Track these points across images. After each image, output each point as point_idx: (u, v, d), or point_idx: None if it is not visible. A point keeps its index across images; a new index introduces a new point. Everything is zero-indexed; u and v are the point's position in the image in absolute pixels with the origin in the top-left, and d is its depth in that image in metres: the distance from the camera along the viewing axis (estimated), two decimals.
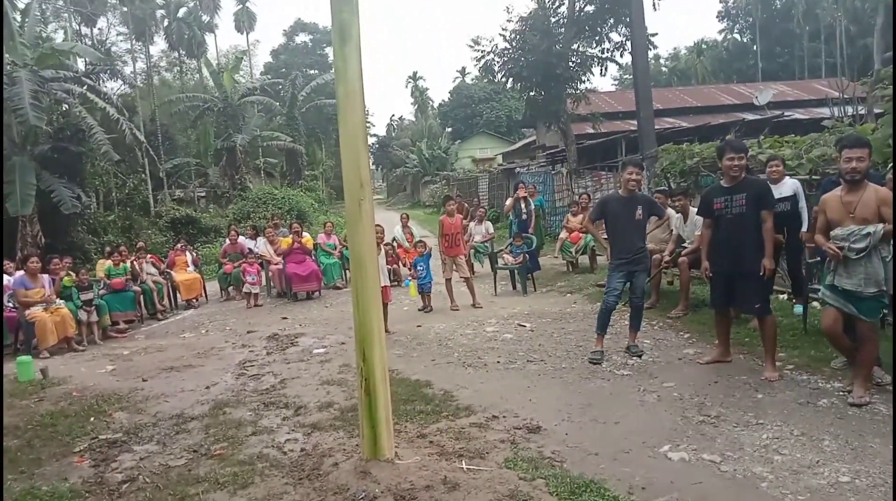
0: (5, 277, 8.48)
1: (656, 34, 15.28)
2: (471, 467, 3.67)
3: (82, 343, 8.24)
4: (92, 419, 5.09)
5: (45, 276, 8.33)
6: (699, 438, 3.93)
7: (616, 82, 54.54)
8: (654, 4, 15.42)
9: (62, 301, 8.16)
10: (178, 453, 4.28)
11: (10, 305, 8.05)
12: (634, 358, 5.70)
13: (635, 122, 14.09)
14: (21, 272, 8.23)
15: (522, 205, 11.04)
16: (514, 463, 3.70)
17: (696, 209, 7.21)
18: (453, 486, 3.40)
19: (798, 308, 6.30)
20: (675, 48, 62.06)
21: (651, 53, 22.32)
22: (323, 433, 4.42)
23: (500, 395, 4.98)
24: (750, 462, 3.57)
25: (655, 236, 7.70)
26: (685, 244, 7.29)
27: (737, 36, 52.29)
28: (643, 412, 4.45)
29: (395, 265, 11.24)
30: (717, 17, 52.57)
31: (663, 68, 61.78)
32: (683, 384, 4.90)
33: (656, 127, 19.71)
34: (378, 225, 8.86)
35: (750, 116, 21.61)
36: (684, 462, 3.63)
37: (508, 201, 11.12)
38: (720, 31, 54.21)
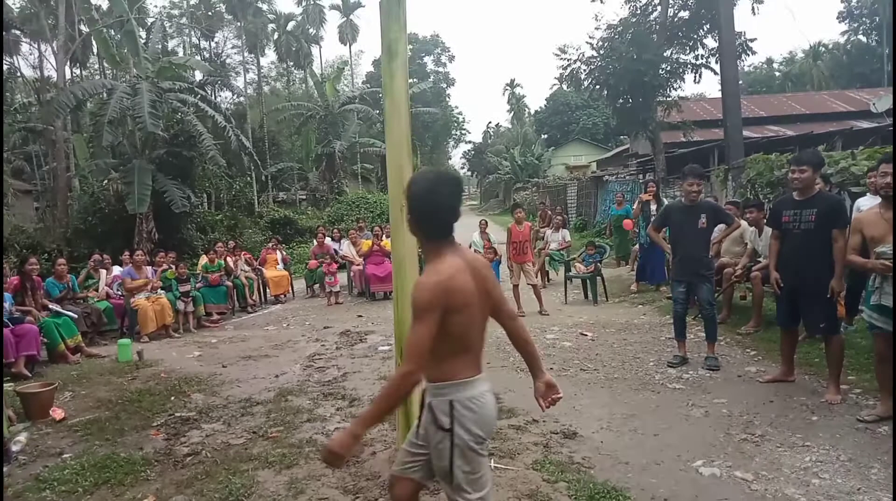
0: (116, 268, 9.47)
1: (754, 39, 14.59)
2: (499, 466, 3.79)
3: (178, 331, 9.05)
4: (172, 398, 5.65)
5: (150, 268, 9.24)
6: (737, 455, 3.84)
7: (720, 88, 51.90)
8: (752, 9, 14.69)
9: (162, 292, 9.00)
10: (240, 433, 4.69)
11: (119, 293, 8.99)
12: (691, 372, 5.59)
13: None
14: (129, 264, 9.18)
15: (652, 208, 9.79)
16: (541, 466, 3.78)
17: None
18: None
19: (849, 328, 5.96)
20: (790, 52, 58.40)
21: (755, 59, 21.22)
22: None
23: None
24: (784, 484, 3.46)
25: (730, 250, 7.44)
26: (760, 259, 6.99)
27: (861, 38, 48.39)
28: (685, 426, 4.38)
29: None
30: (838, 18, 48.89)
31: (776, 72, 58.28)
32: (735, 402, 4.76)
33: (756, 135, 18.89)
34: None
35: (865, 124, 20.12)
36: (714, 478, 3.57)
37: (636, 206, 10.72)
38: (843, 33, 50.40)
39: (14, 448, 4.35)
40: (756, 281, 6.83)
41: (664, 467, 3.76)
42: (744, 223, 7.16)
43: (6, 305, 6.87)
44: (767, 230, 6.80)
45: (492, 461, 3.84)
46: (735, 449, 3.93)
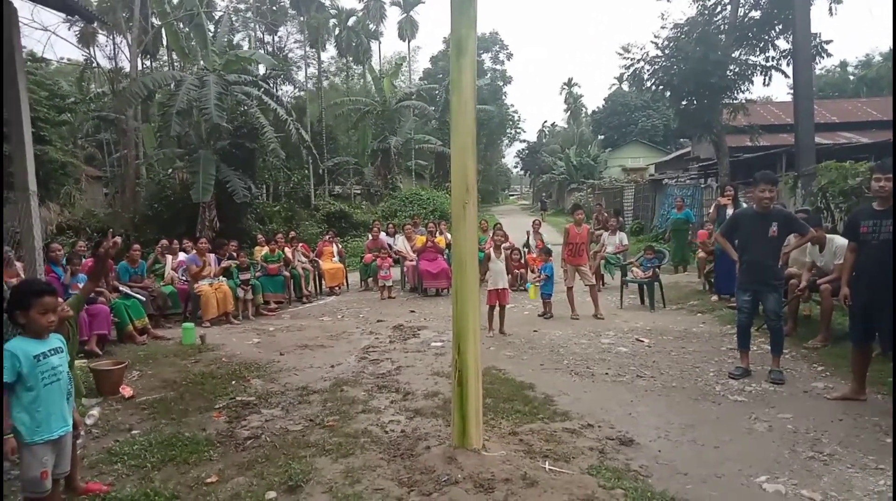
0: (181, 254, 9.83)
1: (830, 41, 13.93)
2: (553, 468, 3.76)
3: (238, 317, 9.33)
4: (233, 382, 5.84)
5: (213, 255, 9.55)
6: (803, 473, 3.70)
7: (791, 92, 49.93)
8: (829, 9, 14.05)
9: (224, 279, 9.29)
10: (297, 420, 4.80)
11: (183, 278, 9.32)
12: (754, 384, 5.41)
13: None
14: (194, 251, 9.51)
15: (729, 212, 9.13)
16: (597, 471, 3.73)
17: (832, 237, 6.66)
18: (532, 483, 3.52)
19: None
20: (867, 54, 55.62)
21: (828, 62, 20.34)
22: (423, 418, 4.72)
23: (600, 405, 4.98)
24: None
25: (798, 260, 7.15)
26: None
27: None
28: (748, 440, 4.24)
29: (521, 270, 11.39)
30: None
31: (851, 76, 55.66)
32: (801, 417, 4.58)
33: (828, 142, 18.08)
34: (500, 229, 9.11)
35: None
36: (779, 495, 3.45)
37: (712, 210, 10.31)
38: None
39: (88, 421, 4.58)
40: (825, 294, 6.55)
41: (725, 480, 3.66)
42: (831, 236, 6.81)
43: (80, 285, 7.22)
44: (831, 246, 6.57)
45: (547, 463, 3.82)
46: (801, 467, 3.79)
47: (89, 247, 9.22)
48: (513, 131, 64.53)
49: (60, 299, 3.26)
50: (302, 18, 34.77)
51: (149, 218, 17.61)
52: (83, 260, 8.00)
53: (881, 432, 4.27)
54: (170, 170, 19.50)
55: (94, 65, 26.37)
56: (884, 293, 4.52)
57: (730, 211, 9.05)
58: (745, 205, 8.71)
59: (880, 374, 5.34)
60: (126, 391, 5.44)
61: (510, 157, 77.13)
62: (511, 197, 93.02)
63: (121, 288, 8.13)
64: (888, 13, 17.89)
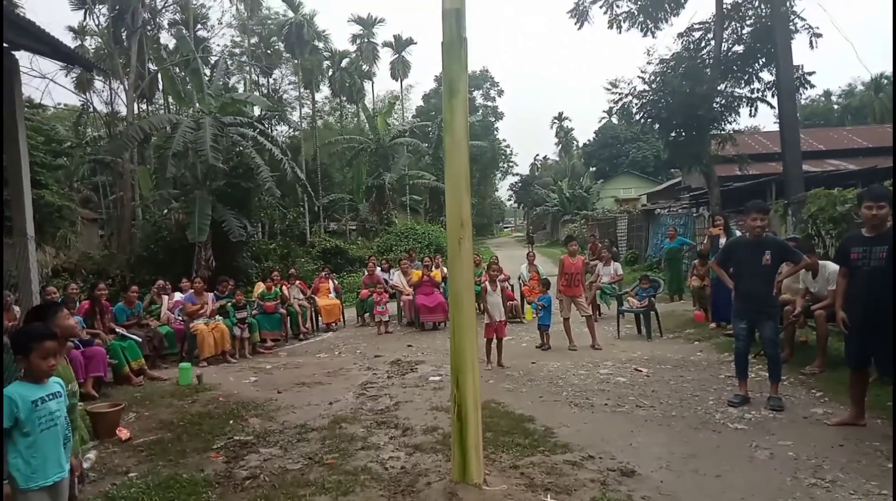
0: (176, 294, 9.83)
1: (812, 73, 14.32)
2: None
3: (235, 356, 9.28)
4: (231, 421, 5.79)
5: (210, 294, 9.56)
6: None
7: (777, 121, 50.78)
8: (810, 42, 14.43)
9: (220, 318, 9.28)
10: (296, 458, 4.76)
11: (179, 318, 9.31)
12: (754, 412, 5.40)
13: None
14: (191, 291, 9.52)
15: (721, 241, 9.16)
16: None
17: (825, 264, 6.74)
18: None
19: None
20: (849, 84, 56.84)
21: (812, 92, 20.80)
22: (423, 454, 4.69)
23: (601, 436, 4.96)
24: None
25: (790, 286, 7.21)
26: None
27: None
28: (750, 469, 4.23)
29: (514, 301, 11.42)
30: None
31: (835, 106, 56.80)
32: (802, 444, 4.57)
33: (816, 169, 18.37)
34: (495, 263, 9.17)
35: None
36: None
37: (705, 241, 10.44)
38: None
39: (85, 465, 4.53)
40: (820, 320, 6.60)
41: None
42: (824, 262, 6.89)
43: (78, 327, 7.21)
44: (824, 272, 6.65)
45: (549, 496, 3.79)
46: (804, 494, 3.77)
47: (84, 289, 9.22)
48: (505, 165, 65.28)
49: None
50: (296, 61, 35.39)
51: (145, 259, 17.61)
52: (77, 304, 8.00)
53: (882, 457, 4.27)
54: (165, 211, 19.59)
55: (91, 110, 26.70)
56: (878, 317, 4.56)
57: (723, 240, 9.10)
58: (737, 233, 8.85)
59: (879, 398, 5.35)
60: (123, 433, 5.39)
61: (503, 190, 77.75)
62: (505, 229, 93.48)
63: (117, 330, 8.11)
64: (869, 46, 18.37)
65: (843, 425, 4.91)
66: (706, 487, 3.97)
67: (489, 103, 61.43)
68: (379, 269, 13.15)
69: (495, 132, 58.38)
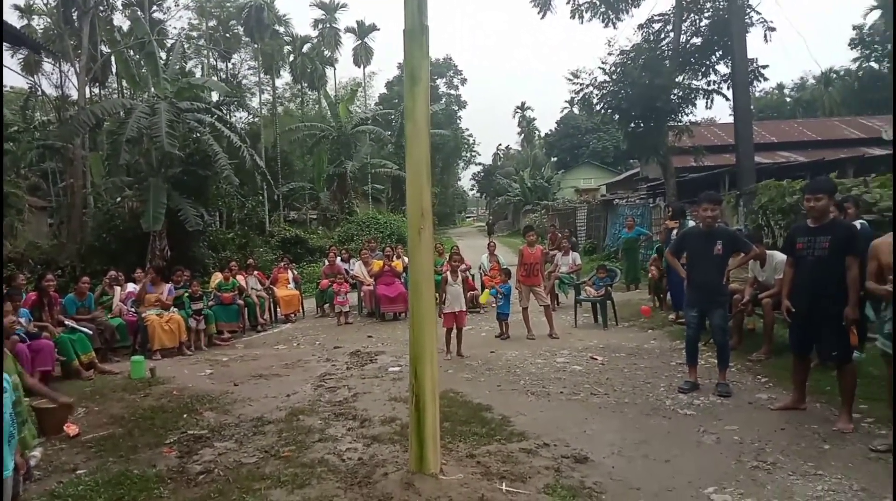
0: (129, 285, 9.58)
1: (766, 66, 14.71)
2: (510, 489, 3.79)
3: (190, 348, 9.11)
4: (185, 415, 5.69)
5: (168, 285, 9.33)
6: (749, 483, 3.83)
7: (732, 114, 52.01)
8: (764, 36, 14.83)
9: (175, 309, 9.08)
10: (252, 452, 4.71)
11: (132, 309, 9.08)
12: (702, 398, 5.58)
13: None
14: (148, 279, 9.28)
15: (673, 236, 9.23)
16: (553, 490, 3.78)
17: (773, 253, 6.96)
18: None
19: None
20: (801, 77, 58.52)
21: (766, 84, 21.39)
22: (381, 445, 4.70)
23: (556, 424, 5.05)
24: None
25: (738, 276, 7.44)
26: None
27: (873, 64, 48.38)
28: (697, 453, 4.37)
29: (475, 291, 11.50)
30: (850, 44, 48.96)
31: (787, 98, 58.43)
32: (747, 429, 4.74)
33: (768, 161, 18.94)
34: (457, 253, 9.20)
35: (878, 151, 20.11)
36: None
37: (661, 232, 10.60)
38: (854, 60, 50.45)
39: (31, 463, 4.39)
40: (767, 308, 6.82)
41: (676, 493, 3.75)
42: (771, 252, 7.09)
43: (23, 320, 6.97)
44: (772, 262, 6.87)
45: (504, 484, 3.85)
46: (747, 477, 3.92)
47: (31, 280, 8.90)
48: (468, 154, 65.38)
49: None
50: (256, 45, 34.67)
51: (96, 249, 17.09)
52: (24, 296, 7.71)
53: (820, 439, 4.46)
54: (119, 199, 19.03)
55: (40, 93, 25.69)
56: (820, 306, 4.75)
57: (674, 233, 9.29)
58: (692, 223, 9.04)
59: (819, 383, 5.58)
60: (71, 429, 5.24)
61: (466, 179, 78.01)
62: (468, 219, 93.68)
63: (66, 322, 7.86)
64: (820, 41, 18.95)
65: (786, 409, 5.11)
66: (656, 472, 4.09)
67: (452, 91, 61.32)
68: (339, 259, 13.05)
69: (458, 121, 58.37)
